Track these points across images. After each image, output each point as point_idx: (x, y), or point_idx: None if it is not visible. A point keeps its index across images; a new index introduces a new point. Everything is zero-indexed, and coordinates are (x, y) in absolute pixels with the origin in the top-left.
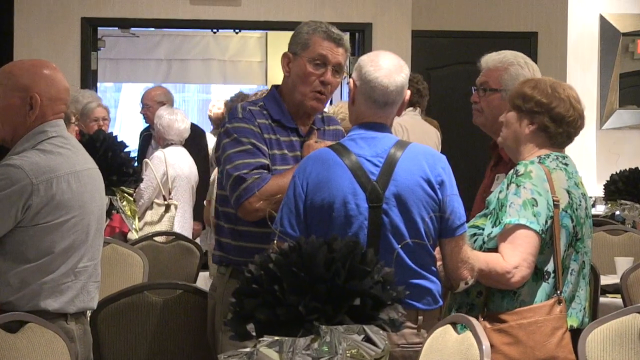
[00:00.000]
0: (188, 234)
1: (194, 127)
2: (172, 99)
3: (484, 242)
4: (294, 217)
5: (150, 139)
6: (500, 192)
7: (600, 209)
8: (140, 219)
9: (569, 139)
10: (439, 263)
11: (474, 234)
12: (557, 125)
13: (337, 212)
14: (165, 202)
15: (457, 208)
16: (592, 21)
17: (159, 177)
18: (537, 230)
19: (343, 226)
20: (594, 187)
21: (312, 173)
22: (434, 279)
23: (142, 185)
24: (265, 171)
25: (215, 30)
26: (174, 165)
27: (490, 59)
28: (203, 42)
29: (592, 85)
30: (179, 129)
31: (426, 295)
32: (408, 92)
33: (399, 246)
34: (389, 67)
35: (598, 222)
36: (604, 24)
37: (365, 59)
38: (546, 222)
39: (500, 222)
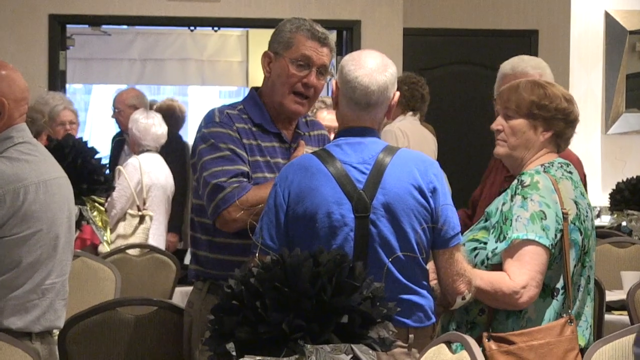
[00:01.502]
0: (163, 247)
1: (170, 132)
2: (146, 102)
3: (487, 258)
4: (274, 229)
5: (123, 144)
6: (503, 204)
7: (605, 220)
8: (112, 230)
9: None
10: (433, 281)
11: (475, 248)
12: (572, 129)
13: (320, 223)
14: (140, 213)
15: (451, 217)
16: (596, 18)
17: (133, 185)
18: (547, 245)
19: (327, 238)
20: (599, 196)
21: (294, 181)
22: (426, 293)
23: (114, 195)
24: (245, 179)
25: (192, 28)
26: (150, 173)
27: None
28: (179, 40)
29: (596, 87)
30: (156, 134)
31: (417, 312)
32: (397, 94)
33: (389, 260)
34: (370, 66)
35: (603, 233)
36: (610, 21)
37: (347, 58)
38: (555, 236)
39: (505, 237)
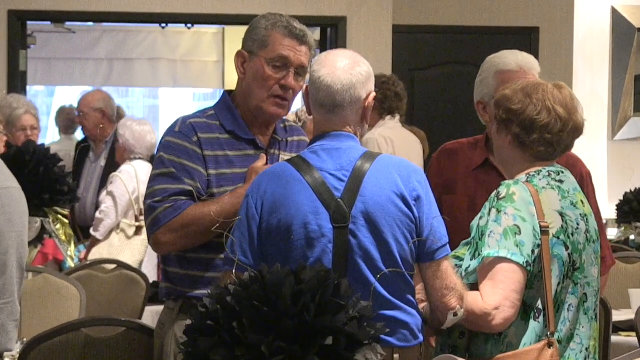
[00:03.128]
0: (156, 262)
1: None
2: (114, 105)
3: (461, 277)
4: (246, 242)
5: (88, 151)
6: (481, 218)
7: (612, 233)
8: (104, 239)
9: (552, 147)
10: (422, 304)
11: (455, 266)
12: (528, 132)
13: (296, 235)
14: (137, 224)
15: (437, 227)
16: (602, 14)
17: (129, 193)
18: (521, 263)
19: (304, 251)
20: (605, 207)
21: (267, 191)
22: (411, 310)
23: (110, 203)
24: (185, 198)
25: (164, 25)
26: (146, 182)
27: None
28: (150, 38)
29: (602, 89)
30: (151, 142)
31: (402, 330)
32: (372, 94)
33: (376, 278)
34: (335, 64)
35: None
36: (617, 18)
37: (316, 59)
38: (532, 252)
39: (480, 254)
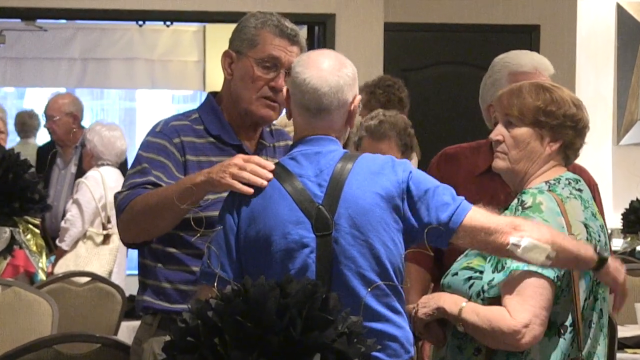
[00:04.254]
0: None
1: None
2: (82, 108)
3: (483, 290)
4: (224, 255)
5: (55, 157)
6: None
7: (617, 244)
8: (70, 249)
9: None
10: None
11: (470, 278)
12: (582, 138)
13: (276, 246)
14: (104, 232)
15: (445, 198)
16: (607, 11)
17: (96, 200)
18: (551, 278)
19: (284, 262)
20: (610, 216)
21: (244, 201)
22: (401, 322)
23: (83, 208)
24: (150, 187)
25: (141, 23)
26: (113, 189)
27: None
28: (126, 37)
29: (607, 90)
30: (121, 149)
31: (392, 344)
32: (358, 98)
33: (368, 291)
34: (321, 66)
35: None
36: (622, 15)
37: (297, 60)
38: None
39: (503, 267)
